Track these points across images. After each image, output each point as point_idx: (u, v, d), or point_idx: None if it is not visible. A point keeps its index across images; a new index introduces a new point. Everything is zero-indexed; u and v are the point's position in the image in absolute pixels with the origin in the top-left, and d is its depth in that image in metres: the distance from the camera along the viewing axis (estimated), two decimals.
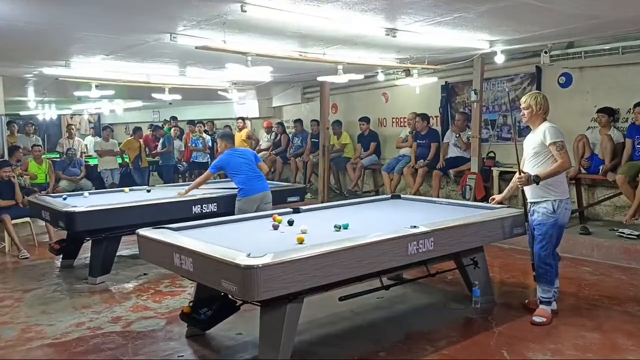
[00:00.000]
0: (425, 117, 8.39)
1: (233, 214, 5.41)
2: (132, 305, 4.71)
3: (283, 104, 11.91)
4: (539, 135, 4.02)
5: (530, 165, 4.11)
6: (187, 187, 6.18)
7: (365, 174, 9.57)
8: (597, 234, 6.13)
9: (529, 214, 4.18)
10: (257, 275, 2.82)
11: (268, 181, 8.80)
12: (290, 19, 4.57)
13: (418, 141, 8.40)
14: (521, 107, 4.13)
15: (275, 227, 4.10)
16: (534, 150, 4.06)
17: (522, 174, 4.03)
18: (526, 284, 5.13)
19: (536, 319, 4.01)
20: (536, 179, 3.94)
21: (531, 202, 4.12)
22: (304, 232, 3.75)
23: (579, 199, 6.81)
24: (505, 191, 4.59)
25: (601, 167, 6.31)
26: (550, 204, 3.99)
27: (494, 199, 4.71)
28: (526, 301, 4.42)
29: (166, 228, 3.97)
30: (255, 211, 5.48)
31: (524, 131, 7.57)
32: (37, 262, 6.37)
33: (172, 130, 12.33)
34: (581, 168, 6.54)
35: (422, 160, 8.20)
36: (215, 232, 4.03)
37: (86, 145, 12.75)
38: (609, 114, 6.42)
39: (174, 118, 13.05)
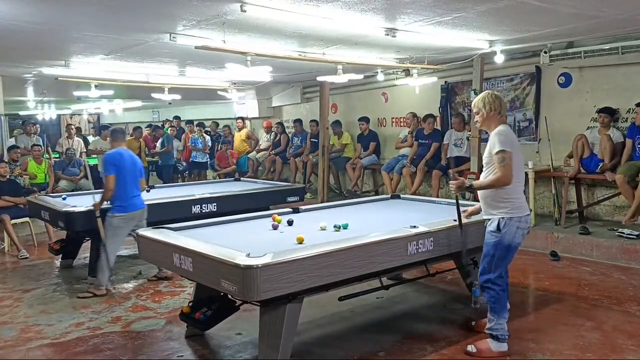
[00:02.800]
0: (432, 117, 8.38)
1: (233, 214, 4.91)
2: (132, 305, 4.71)
3: (283, 103, 11.91)
4: (489, 142, 3.52)
5: (483, 176, 3.63)
6: (98, 201, 5.00)
7: (365, 174, 9.56)
8: (597, 233, 6.13)
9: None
10: (256, 275, 2.82)
11: (268, 181, 8.90)
12: (290, 19, 4.57)
13: (420, 141, 8.39)
14: (473, 112, 3.70)
15: (275, 227, 4.11)
16: (485, 160, 3.57)
17: (457, 178, 3.61)
18: (526, 284, 5.14)
19: (468, 347, 3.55)
20: (470, 187, 3.59)
21: (484, 219, 3.67)
22: (323, 229, 3.91)
23: (579, 199, 6.81)
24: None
25: (600, 165, 6.30)
26: (496, 221, 3.46)
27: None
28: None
29: (166, 228, 3.97)
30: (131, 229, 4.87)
31: (524, 131, 7.60)
32: (37, 262, 6.37)
33: (169, 129, 12.28)
34: (581, 168, 6.54)
35: (412, 166, 8.19)
36: (214, 232, 4.03)
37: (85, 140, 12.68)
38: (611, 114, 6.42)
39: (176, 117, 13.02)
